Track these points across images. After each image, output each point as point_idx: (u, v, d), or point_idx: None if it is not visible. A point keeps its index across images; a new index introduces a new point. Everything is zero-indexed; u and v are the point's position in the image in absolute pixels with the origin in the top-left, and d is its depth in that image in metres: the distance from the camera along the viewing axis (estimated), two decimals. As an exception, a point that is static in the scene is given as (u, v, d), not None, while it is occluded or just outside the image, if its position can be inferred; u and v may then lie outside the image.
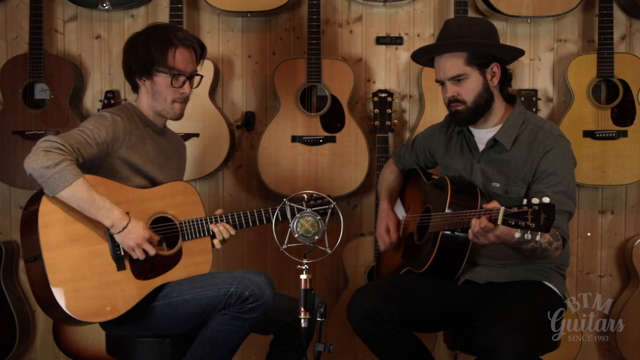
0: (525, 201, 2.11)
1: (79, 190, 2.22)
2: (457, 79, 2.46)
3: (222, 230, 2.50)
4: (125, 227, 2.28)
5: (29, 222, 2.28)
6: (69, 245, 2.27)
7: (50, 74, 3.38)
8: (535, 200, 2.09)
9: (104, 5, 3.39)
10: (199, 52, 2.55)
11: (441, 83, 2.52)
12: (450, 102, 2.49)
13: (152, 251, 2.35)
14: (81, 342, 3.35)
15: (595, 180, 3.33)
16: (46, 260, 2.23)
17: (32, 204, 2.30)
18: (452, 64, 2.45)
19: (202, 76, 2.59)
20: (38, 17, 3.37)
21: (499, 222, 2.13)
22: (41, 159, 2.19)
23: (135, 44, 2.48)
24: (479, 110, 2.49)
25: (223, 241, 2.53)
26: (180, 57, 2.47)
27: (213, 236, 2.52)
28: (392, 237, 2.74)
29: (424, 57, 2.62)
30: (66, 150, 2.22)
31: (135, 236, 2.30)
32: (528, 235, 2.10)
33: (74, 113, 3.39)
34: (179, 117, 2.55)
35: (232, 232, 2.52)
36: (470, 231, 2.25)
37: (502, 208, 2.13)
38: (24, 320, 3.48)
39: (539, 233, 2.10)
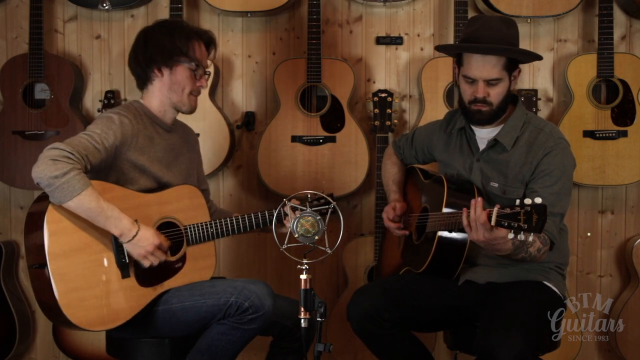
0: (517, 201, 2.11)
1: (87, 201, 2.19)
2: (493, 82, 2.43)
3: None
4: (134, 237, 2.26)
5: (35, 228, 2.25)
6: (75, 254, 2.25)
7: (50, 74, 3.38)
8: (527, 201, 2.09)
9: (104, 5, 3.40)
10: (211, 49, 2.56)
11: (471, 80, 2.46)
12: (476, 101, 2.45)
13: (162, 257, 2.33)
14: (81, 342, 3.35)
15: (595, 180, 3.32)
16: (52, 270, 2.21)
17: (39, 206, 2.27)
18: (493, 66, 2.41)
19: (209, 74, 2.57)
20: (38, 17, 3.37)
21: (493, 222, 2.13)
22: (49, 168, 2.15)
23: (154, 34, 2.46)
24: (500, 113, 2.49)
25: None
26: (201, 51, 2.48)
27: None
28: (397, 212, 2.68)
29: (468, 52, 2.51)
30: (74, 159, 2.18)
31: (145, 244, 2.28)
32: (521, 236, 2.10)
33: (74, 113, 3.39)
34: (193, 109, 2.53)
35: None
36: (464, 217, 2.25)
37: (496, 208, 2.13)
38: (24, 320, 3.48)
39: (531, 236, 2.10)
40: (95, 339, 3.28)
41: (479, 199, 2.20)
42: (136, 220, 2.29)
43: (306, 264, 2.09)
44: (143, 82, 2.50)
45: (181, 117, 2.56)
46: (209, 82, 3.35)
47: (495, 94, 2.44)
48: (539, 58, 2.55)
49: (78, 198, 2.18)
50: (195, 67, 2.46)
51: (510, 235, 2.11)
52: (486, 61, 2.42)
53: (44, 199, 2.27)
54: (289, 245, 2.13)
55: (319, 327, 2.12)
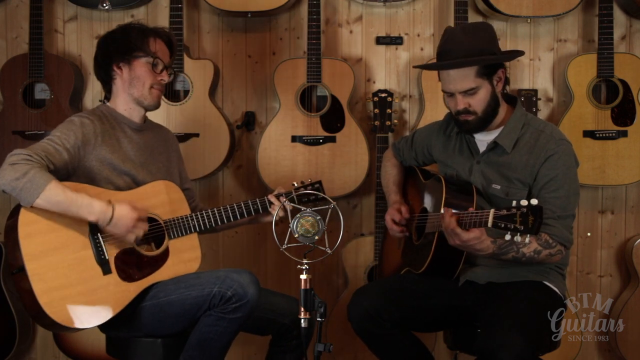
0: (514, 202, 2.12)
1: (54, 194, 2.20)
2: (470, 92, 2.43)
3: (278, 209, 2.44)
4: (112, 218, 2.27)
5: (10, 235, 2.27)
6: (52, 253, 2.26)
7: (50, 74, 3.38)
8: (523, 202, 2.10)
9: (104, 5, 3.40)
10: (173, 48, 2.59)
11: (449, 94, 2.48)
12: (460, 112, 2.46)
13: (145, 227, 2.34)
14: (81, 343, 3.35)
15: (595, 180, 3.32)
16: (29, 271, 2.22)
17: (12, 216, 2.29)
18: (464, 77, 2.41)
19: (174, 73, 2.61)
20: (38, 17, 3.37)
21: (489, 224, 2.15)
22: (9, 173, 2.18)
23: (111, 35, 2.52)
24: (488, 118, 2.48)
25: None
26: (159, 47, 2.52)
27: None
28: (404, 215, 2.67)
29: (430, 70, 2.59)
30: (34, 160, 2.21)
31: (124, 222, 2.28)
32: (518, 238, 2.11)
33: (74, 113, 3.38)
34: (156, 104, 2.55)
35: (281, 214, 2.42)
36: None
37: (492, 210, 2.14)
38: (24, 320, 3.48)
39: (528, 237, 2.12)
40: (95, 339, 3.28)
41: (451, 211, 2.27)
42: (109, 201, 2.30)
43: (306, 264, 2.09)
44: (107, 84, 2.55)
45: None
46: (209, 83, 3.37)
47: (477, 102, 2.44)
48: (508, 59, 2.53)
49: (44, 194, 2.19)
50: (154, 61, 2.49)
51: (507, 237, 2.12)
52: (457, 74, 2.42)
53: (15, 210, 2.29)
54: (289, 245, 2.13)
55: (319, 327, 2.12)
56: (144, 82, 2.49)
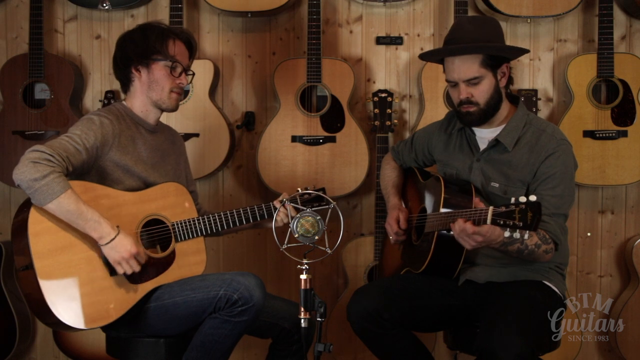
0: (513, 199, 2.13)
1: (66, 203, 2.20)
2: (473, 82, 2.44)
3: (282, 215, 2.49)
4: (112, 240, 2.26)
5: (19, 231, 2.27)
6: (60, 253, 2.26)
7: (50, 74, 3.38)
8: (522, 199, 2.11)
9: (104, 5, 3.40)
10: (193, 49, 2.58)
11: (453, 84, 2.49)
12: (463, 103, 2.47)
13: (136, 268, 2.32)
14: (81, 342, 3.35)
15: (595, 180, 3.33)
16: (37, 269, 2.22)
17: (22, 212, 2.29)
18: (469, 66, 2.42)
19: (193, 74, 2.60)
20: (38, 17, 3.37)
21: (488, 221, 2.15)
22: (29, 171, 2.17)
23: (131, 36, 2.50)
24: (490, 112, 2.48)
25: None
26: (178, 49, 2.50)
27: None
28: (401, 226, 2.68)
29: (435, 57, 2.60)
30: (55, 161, 2.20)
31: (121, 250, 2.27)
32: (517, 234, 2.12)
33: (74, 113, 3.39)
34: (175, 107, 2.55)
35: (285, 220, 2.48)
36: (454, 234, 2.29)
37: (491, 208, 2.15)
38: (24, 320, 3.48)
39: (527, 233, 2.12)
40: (95, 339, 3.28)
41: (468, 223, 2.25)
42: (117, 226, 2.30)
43: (306, 264, 2.09)
44: (125, 84, 2.54)
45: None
46: (209, 83, 3.37)
47: (479, 93, 2.44)
48: (520, 52, 2.53)
49: (57, 200, 2.19)
50: (172, 65, 2.48)
51: (507, 234, 2.13)
52: (461, 62, 2.43)
53: (27, 202, 2.29)
54: (289, 245, 2.13)
55: (319, 327, 2.12)
56: (163, 86, 2.48)
